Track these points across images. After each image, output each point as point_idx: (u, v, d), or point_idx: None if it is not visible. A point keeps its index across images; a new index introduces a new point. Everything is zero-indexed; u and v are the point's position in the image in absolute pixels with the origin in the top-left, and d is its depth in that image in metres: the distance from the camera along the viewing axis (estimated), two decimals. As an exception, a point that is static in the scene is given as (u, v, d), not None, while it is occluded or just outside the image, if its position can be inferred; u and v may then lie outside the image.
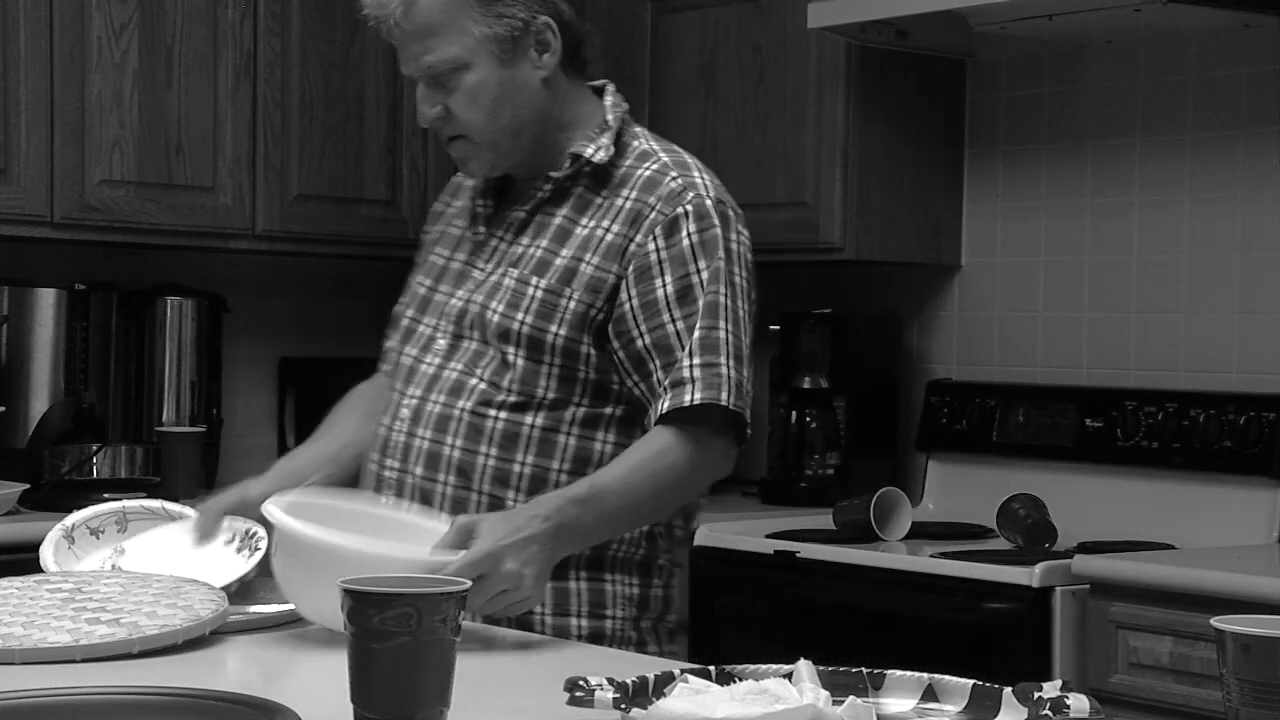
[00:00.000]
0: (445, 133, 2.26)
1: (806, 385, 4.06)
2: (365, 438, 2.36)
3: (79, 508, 2.32)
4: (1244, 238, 3.56)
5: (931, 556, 3.31)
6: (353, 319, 4.29)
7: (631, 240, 2.20)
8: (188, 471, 3.75)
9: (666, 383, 2.17)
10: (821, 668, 1.59)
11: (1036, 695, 1.49)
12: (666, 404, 2.16)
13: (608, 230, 2.21)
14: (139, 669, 1.80)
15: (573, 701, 1.48)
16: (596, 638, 2.21)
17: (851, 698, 1.51)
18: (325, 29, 3.95)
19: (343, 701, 1.46)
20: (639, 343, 2.19)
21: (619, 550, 2.24)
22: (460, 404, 2.22)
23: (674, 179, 2.23)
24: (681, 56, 4.20)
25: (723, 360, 2.18)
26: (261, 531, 2.16)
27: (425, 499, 2.22)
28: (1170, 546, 3.33)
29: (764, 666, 1.60)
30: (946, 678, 1.59)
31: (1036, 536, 3.34)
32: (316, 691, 1.72)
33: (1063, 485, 3.66)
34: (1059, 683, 1.50)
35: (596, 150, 2.25)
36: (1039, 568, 3.09)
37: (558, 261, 2.22)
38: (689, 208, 2.21)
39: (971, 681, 1.57)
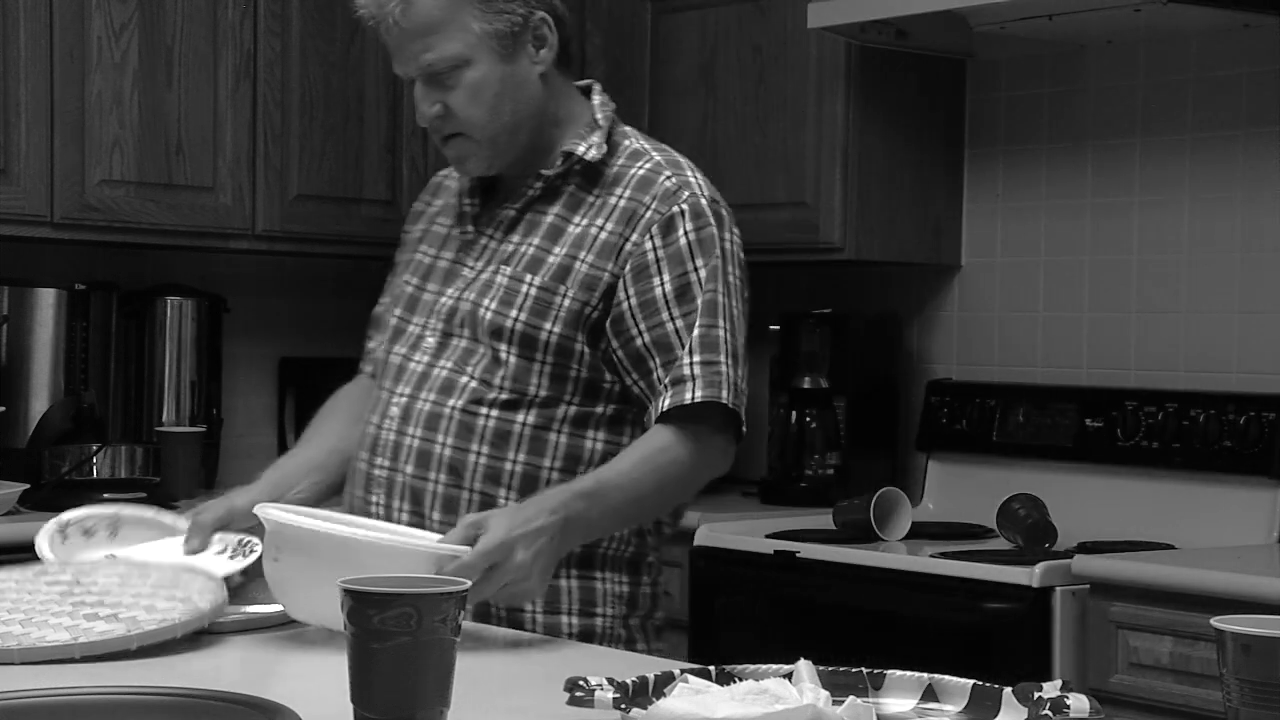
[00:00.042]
0: (444, 131, 2.25)
1: (806, 385, 4.06)
2: (351, 442, 2.36)
3: (77, 506, 2.32)
4: (1244, 238, 3.56)
5: (931, 556, 3.31)
6: (353, 319, 4.26)
7: (627, 239, 2.21)
8: (188, 471, 3.76)
9: (667, 380, 2.19)
10: (821, 668, 1.59)
11: (1036, 695, 1.49)
12: (667, 401, 2.18)
13: (602, 229, 2.22)
14: (139, 669, 1.80)
15: (573, 701, 1.48)
16: (587, 636, 2.21)
17: (851, 698, 1.51)
18: (325, 29, 3.95)
19: (343, 701, 1.46)
20: (638, 341, 2.20)
21: (609, 548, 2.25)
22: (451, 402, 2.22)
23: (668, 178, 2.24)
24: (681, 56, 4.21)
25: (722, 359, 2.20)
26: (256, 540, 2.17)
27: (416, 497, 2.22)
28: (1170, 546, 3.33)
29: (764, 666, 1.60)
30: (946, 678, 1.59)
31: (1036, 536, 3.34)
32: (316, 691, 1.72)
33: (1063, 485, 3.66)
34: (1059, 683, 1.50)
35: (588, 148, 2.26)
36: (1039, 568, 3.09)
37: (550, 259, 2.22)
38: (684, 207, 2.22)
39: (971, 681, 1.57)
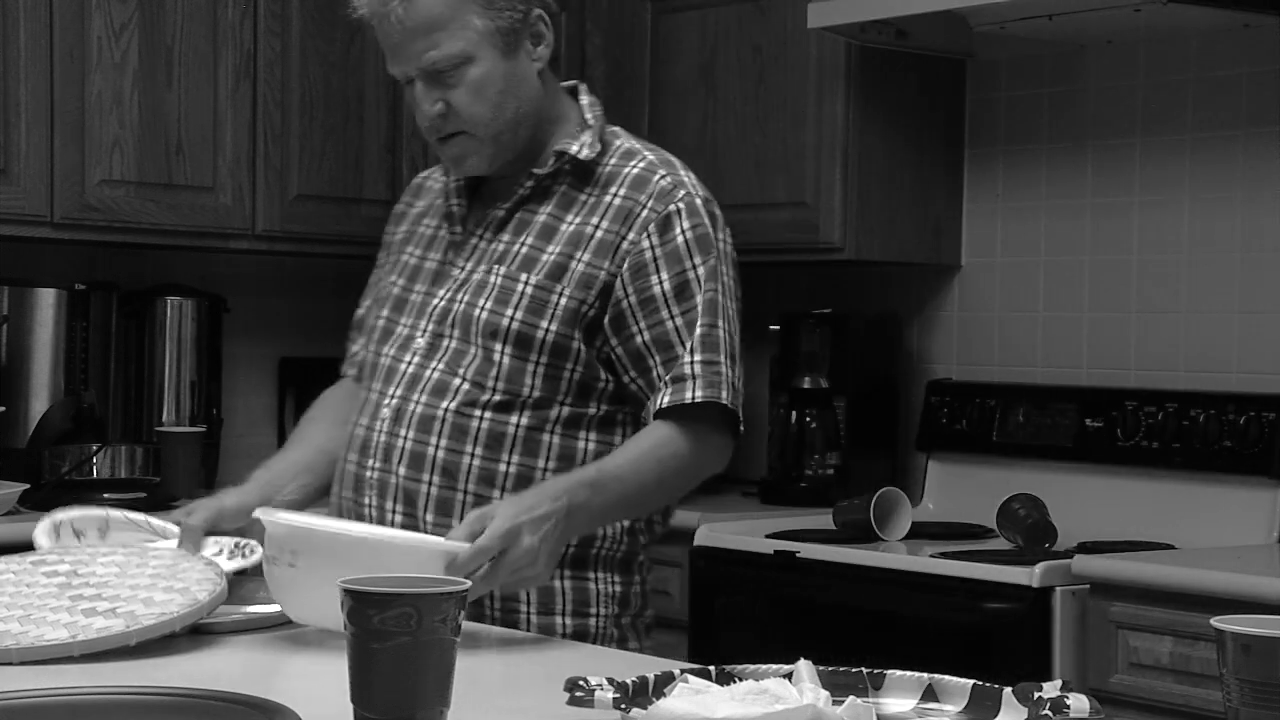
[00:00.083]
0: (445, 130, 2.25)
1: (806, 385, 4.06)
2: (338, 444, 2.37)
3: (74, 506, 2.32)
4: (1244, 238, 3.56)
5: (931, 556, 3.31)
6: (352, 319, 4.28)
7: (624, 238, 2.21)
8: (188, 471, 3.75)
9: (667, 378, 2.20)
10: (821, 668, 1.59)
11: (1036, 695, 1.49)
12: (667, 399, 2.19)
13: (597, 227, 2.22)
14: (138, 668, 1.80)
15: (573, 701, 1.48)
16: (581, 636, 2.22)
17: (851, 698, 1.51)
18: (325, 29, 3.95)
19: (343, 701, 1.46)
20: (638, 339, 2.20)
21: (602, 548, 2.26)
22: (444, 404, 2.22)
23: (663, 177, 2.25)
24: (681, 56, 4.21)
25: (722, 359, 2.22)
26: (252, 542, 2.17)
27: (409, 499, 2.22)
28: (1170, 546, 3.33)
29: (764, 666, 1.60)
30: (946, 678, 1.59)
31: (1036, 536, 3.34)
32: (316, 691, 1.72)
33: (1063, 485, 3.66)
34: (1059, 683, 1.50)
35: (581, 147, 2.26)
36: (1039, 568, 3.09)
37: (545, 258, 2.22)
38: (681, 205, 2.23)
39: (971, 681, 1.57)
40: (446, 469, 2.21)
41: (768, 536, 3.55)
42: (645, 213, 2.22)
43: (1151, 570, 2.98)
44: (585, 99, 2.34)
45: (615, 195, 2.24)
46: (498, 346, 2.21)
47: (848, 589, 3.37)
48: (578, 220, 2.24)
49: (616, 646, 2.25)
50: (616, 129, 2.34)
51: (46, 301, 3.78)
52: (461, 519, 2.04)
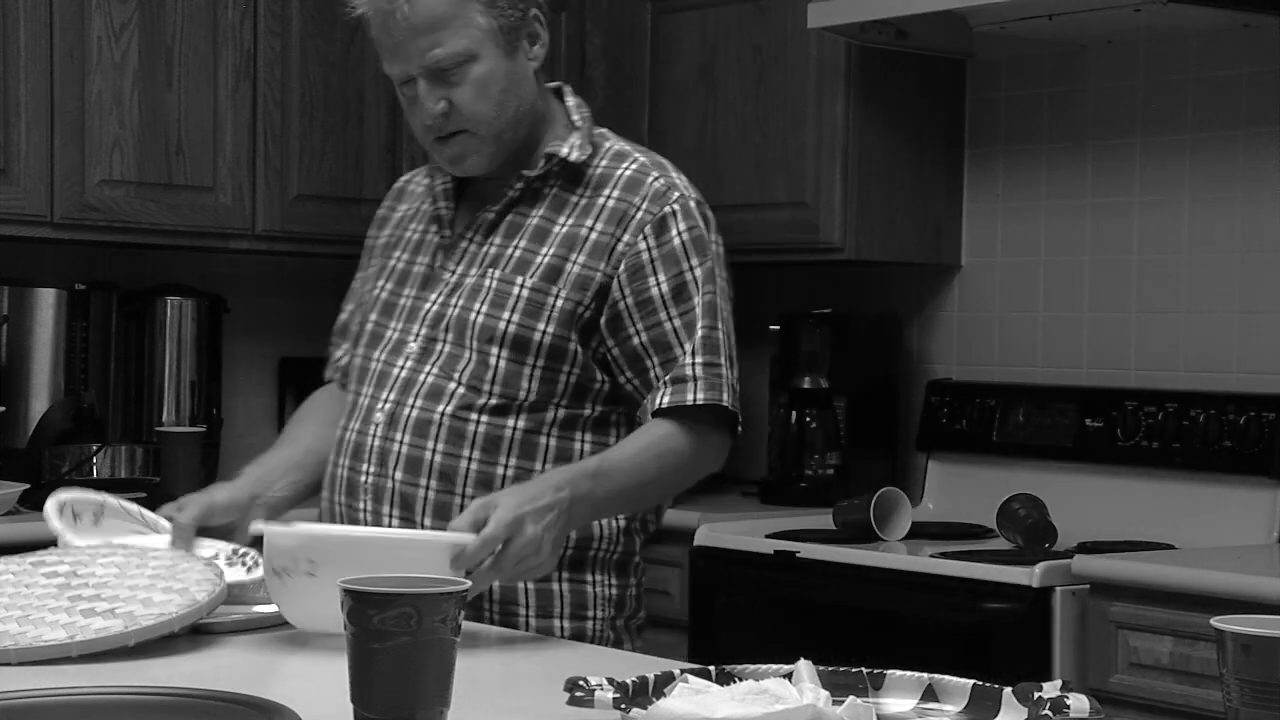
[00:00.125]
0: (447, 129, 2.24)
1: (806, 385, 4.06)
2: (326, 445, 2.37)
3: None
4: (1244, 238, 3.56)
5: (931, 556, 3.31)
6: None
7: (619, 239, 2.22)
8: (188, 471, 3.75)
9: (667, 378, 2.21)
10: (821, 668, 1.59)
11: (1036, 695, 1.49)
12: (667, 399, 2.20)
13: (592, 229, 2.22)
14: (138, 668, 1.80)
15: (573, 701, 1.48)
16: (578, 639, 2.23)
17: (851, 698, 1.51)
18: (325, 29, 3.95)
19: (343, 701, 1.46)
20: (635, 340, 2.21)
21: (600, 549, 2.26)
22: (440, 408, 2.21)
23: (657, 179, 2.25)
24: (681, 56, 4.21)
25: (722, 361, 2.23)
26: (251, 552, 2.17)
27: (406, 503, 2.22)
28: (1170, 546, 3.33)
29: (764, 666, 1.60)
30: (946, 678, 1.59)
31: (1036, 536, 3.34)
32: (316, 691, 1.72)
33: (1063, 485, 3.66)
34: (1059, 683, 1.50)
35: (571, 150, 2.26)
36: (1039, 568, 3.09)
37: (539, 260, 2.22)
38: (676, 207, 2.24)
39: (971, 681, 1.57)
40: (444, 473, 2.21)
41: (768, 536, 3.55)
42: (640, 214, 2.22)
43: (1151, 570, 2.98)
44: (571, 100, 2.34)
45: (609, 197, 2.24)
46: (494, 350, 2.21)
47: (848, 589, 3.37)
48: (571, 222, 2.24)
49: (612, 649, 2.25)
50: (604, 130, 2.35)
51: (46, 301, 3.78)
52: None
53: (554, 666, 1.84)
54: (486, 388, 2.21)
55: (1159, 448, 3.54)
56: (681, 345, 2.20)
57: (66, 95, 3.63)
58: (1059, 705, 1.45)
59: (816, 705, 1.43)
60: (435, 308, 2.27)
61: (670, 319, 2.21)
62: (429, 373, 2.24)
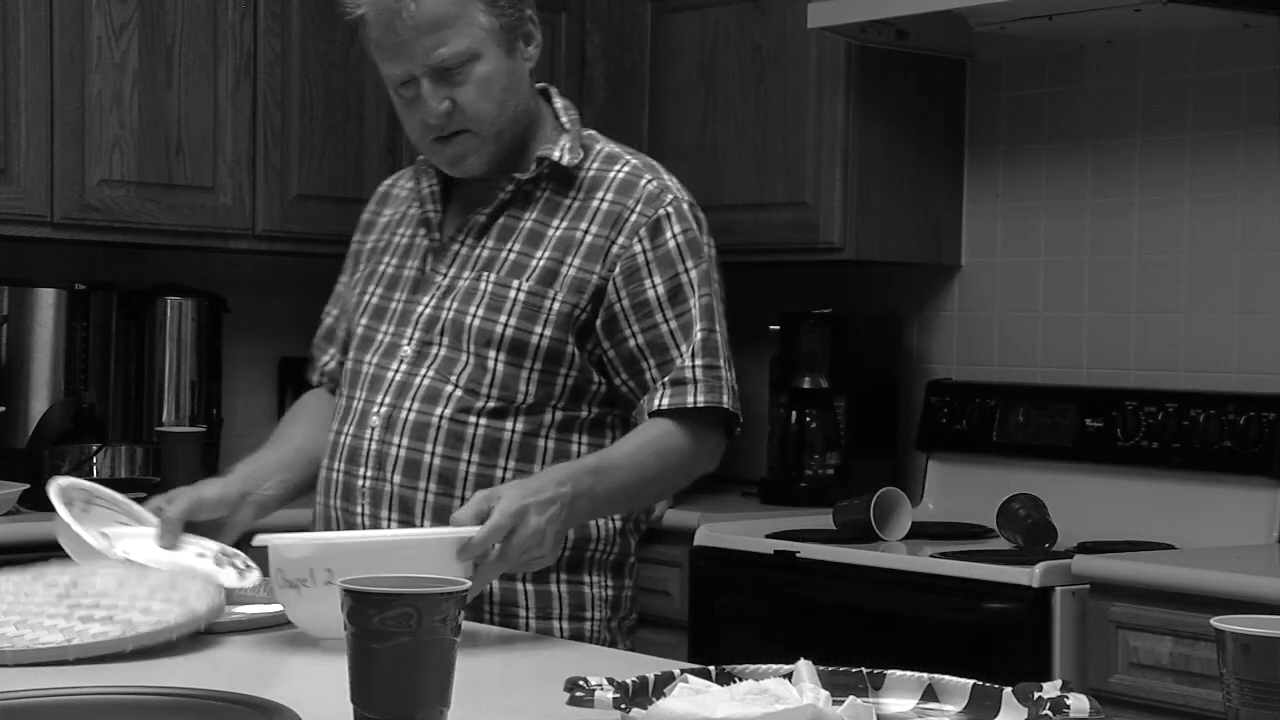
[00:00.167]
0: (449, 128, 2.23)
1: (806, 385, 4.06)
2: (317, 446, 2.38)
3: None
4: (1244, 238, 3.56)
5: (931, 556, 3.31)
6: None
7: (613, 241, 2.22)
8: (188, 471, 3.74)
9: (665, 380, 2.21)
10: (821, 668, 1.59)
11: (1036, 695, 1.49)
12: (667, 401, 2.21)
13: (586, 232, 2.23)
14: (138, 669, 1.80)
15: (573, 701, 1.48)
16: (577, 639, 2.23)
17: (851, 698, 1.51)
18: (325, 29, 3.95)
19: (343, 701, 1.46)
20: (631, 342, 2.22)
21: (596, 550, 2.27)
22: (438, 411, 2.21)
23: (649, 181, 2.26)
24: (681, 56, 4.21)
25: (721, 363, 2.25)
26: (240, 554, 2.17)
27: (405, 507, 2.22)
28: (1170, 546, 3.33)
29: (764, 666, 1.60)
30: (946, 678, 1.59)
31: (1036, 536, 3.34)
32: (316, 691, 1.72)
33: (1063, 485, 3.66)
34: (1059, 683, 1.50)
35: (563, 153, 2.26)
36: (1039, 568, 3.09)
37: (534, 263, 2.22)
38: (670, 210, 2.24)
39: (971, 681, 1.57)
40: (443, 476, 2.21)
41: (768, 536, 3.55)
42: (634, 217, 2.23)
43: (1151, 570, 2.98)
44: (559, 102, 2.34)
45: (603, 200, 2.24)
46: (491, 353, 2.21)
47: (848, 589, 3.37)
48: (564, 225, 2.24)
49: (612, 649, 2.25)
50: (592, 132, 2.35)
51: (46, 301, 3.78)
52: None
53: (553, 666, 1.84)
54: (484, 390, 2.21)
55: (1159, 448, 3.54)
56: (678, 347, 2.21)
57: (66, 95, 3.63)
58: (1059, 705, 1.45)
59: (816, 705, 1.43)
60: (428, 311, 2.26)
61: (666, 321, 2.22)
62: (425, 376, 2.24)
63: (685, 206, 2.27)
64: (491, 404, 2.21)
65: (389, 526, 2.23)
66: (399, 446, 2.22)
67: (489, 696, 1.73)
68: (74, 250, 3.91)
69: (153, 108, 3.74)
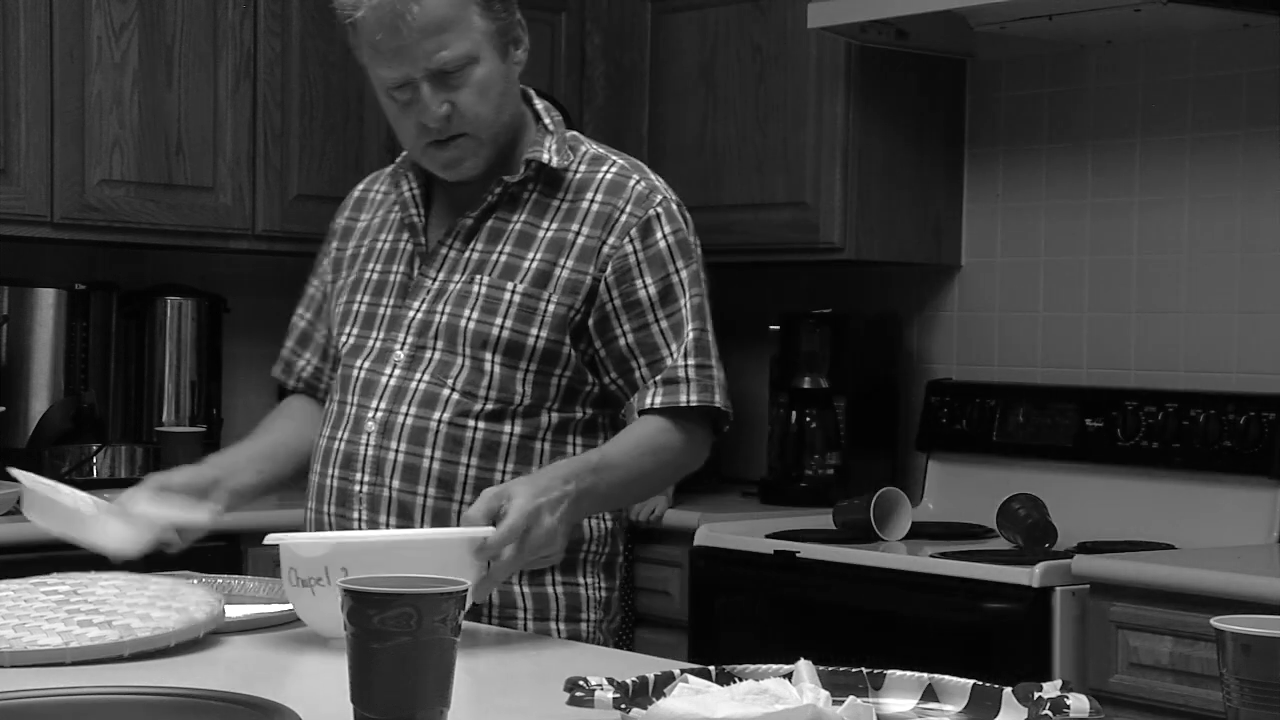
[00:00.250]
0: (449, 131, 2.23)
1: (806, 385, 4.06)
2: (300, 441, 2.38)
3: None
4: (1244, 238, 3.56)
5: (931, 556, 3.31)
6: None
7: (604, 242, 2.22)
8: (188, 471, 3.75)
9: (657, 379, 2.23)
10: (821, 668, 1.59)
11: (1036, 695, 1.49)
12: (659, 399, 2.22)
13: (578, 233, 2.23)
14: (137, 669, 1.80)
15: (573, 701, 1.48)
16: (574, 640, 2.23)
17: (851, 698, 1.51)
18: (325, 29, 3.95)
19: (343, 701, 1.46)
20: (621, 341, 2.23)
21: (589, 551, 2.28)
22: (436, 415, 2.21)
23: (638, 182, 2.27)
24: (681, 56, 4.21)
25: (713, 363, 2.26)
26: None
27: (404, 511, 2.22)
28: (1170, 546, 3.33)
29: (764, 666, 1.60)
30: (946, 678, 1.59)
31: (1036, 536, 3.34)
32: (316, 691, 1.72)
33: (1063, 485, 3.66)
34: (1059, 683, 1.50)
35: (551, 155, 2.26)
36: (1039, 568, 3.09)
37: (526, 265, 2.23)
38: (659, 210, 2.25)
39: (971, 681, 1.57)
40: (443, 480, 2.21)
41: (768, 536, 3.55)
42: (625, 218, 2.24)
43: (1151, 570, 2.98)
44: (540, 104, 2.34)
45: (592, 201, 2.25)
46: (488, 356, 2.21)
47: (848, 589, 3.37)
48: (555, 227, 2.24)
49: (612, 649, 2.26)
50: (575, 133, 2.35)
51: (46, 301, 3.78)
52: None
53: (553, 667, 1.85)
54: (482, 393, 2.21)
55: (1159, 448, 3.54)
56: (669, 346, 2.23)
57: (66, 95, 3.63)
58: (1059, 705, 1.45)
59: (816, 705, 1.43)
60: (420, 315, 2.26)
61: (657, 321, 2.23)
62: (421, 380, 2.23)
63: (674, 207, 2.28)
64: (489, 407, 2.21)
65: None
66: (397, 451, 2.22)
67: (489, 696, 1.73)
68: (74, 250, 3.91)
69: (153, 108, 3.74)
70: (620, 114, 4.31)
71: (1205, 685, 2.84)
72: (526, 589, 2.22)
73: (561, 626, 2.25)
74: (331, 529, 2.27)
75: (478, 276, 2.24)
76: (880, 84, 3.92)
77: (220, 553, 3.43)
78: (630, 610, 3.81)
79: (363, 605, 1.42)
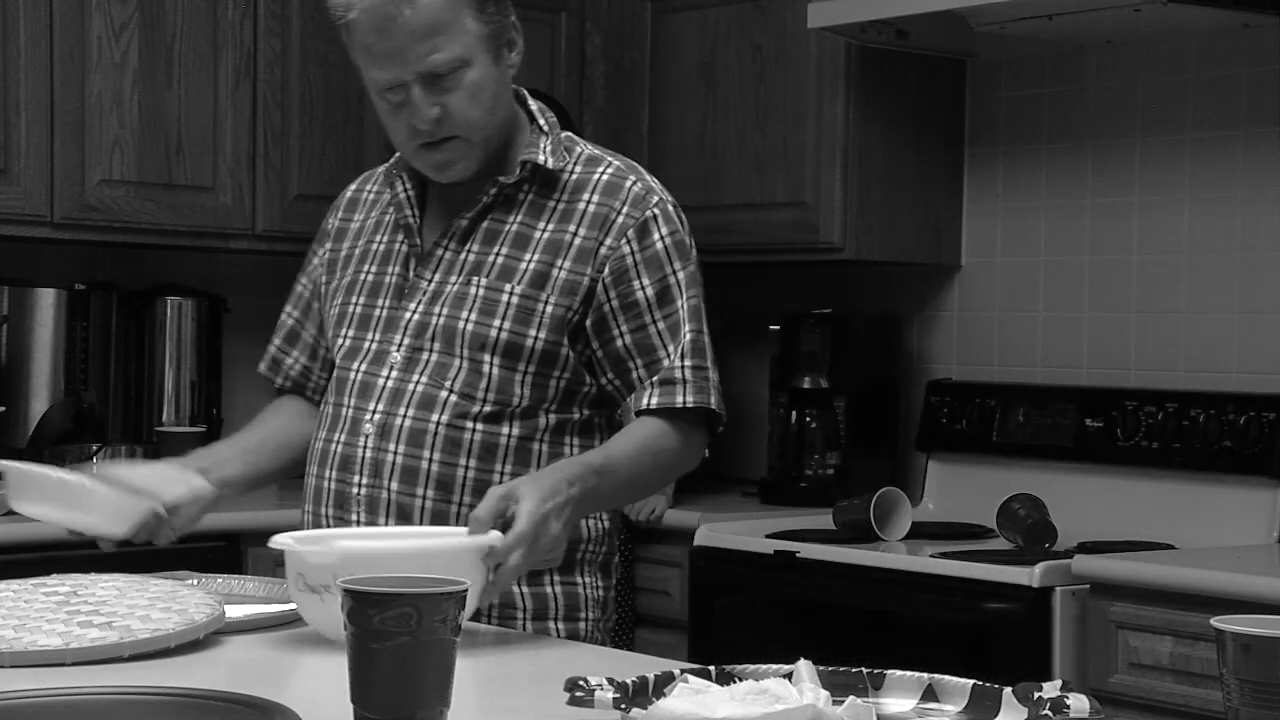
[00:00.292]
0: (439, 134, 2.23)
1: (806, 385, 4.06)
2: (291, 435, 2.40)
3: None
4: (1244, 238, 3.56)
5: (931, 556, 3.31)
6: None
7: (601, 243, 2.23)
8: (188, 471, 3.75)
9: (654, 380, 2.23)
10: (821, 668, 1.59)
11: (1036, 695, 1.49)
12: (656, 400, 2.23)
13: (575, 234, 2.23)
14: (137, 670, 1.80)
15: (573, 701, 1.48)
16: (572, 639, 2.23)
17: (851, 698, 1.51)
18: (325, 29, 3.94)
19: (343, 701, 1.46)
20: (619, 342, 2.23)
21: (587, 550, 2.28)
22: (434, 417, 2.21)
23: (635, 183, 2.27)
24: (681, 56, 4.21)
25: (709, 364, 2.27)
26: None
27: (403, 513, 2.22)
28: (1170, 546, 3.33)
29: (764, 666, 1.60)
30: (946, 678, 1.59)
31: (1036, 536, 3.35)
32: (316, 691, 1.72)
33: (1063, 485, 3.66)
34: (1059, 683, 1.50)
35: (546, 156, 2.26)
36: (1039, 568, 3.09)
37: (523, 266, 2.22)
38: (656, 211, 2.26)
39: (971, 681, 1.57)
40: (441, 482, 2.21)
41: (768, 536, 3.55)
42: (621, 219, 2.24)
43: (1151, 570, 2.98)
44: (534, 104, 2.34)
45: (589, 202, 2.25)
46: (486, 357, 2.21)
47: (848, 589, 3.37)
48: (552, 228, 2.24)
49: (612, 649, 2.26)
50: (570, 134, 2.35)
51: (46, 301, 3.78)
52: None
53: (552, 667, 1.85)
54: (480, 395, 2.21)
55: (1159, 448, 3.54)
56: (665, 348, 2.23)
57: (66, 95, 3.63)
58: (1059, 705, 1.45)
59: (816, 705, 1.43)
60: (416, 317, 2.26)
61: (654, 322, 2.23)
62: (418, 382, 2.23)
63: (670, 208, 2.28)
64: (487, 408, 2.21)
65: None
66: (395, 453, 2.22)
67: (489, 696, 1.73)
68: (74, 250, 3.91)
69: (153, 108, 3.74)
70: (620, 114, 4.31)
71: (1205, 685, 2.84)
72: (525, 589, 2.22)
73: (560, 626, 2.25)
74: None
75: (475, 278, 2.24)
76: (880, 84, 3.92)
77: (220, 553, 3.43)
78: (630, 610, 3.81)
79: (363, 605, 1.42)
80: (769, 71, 4.01)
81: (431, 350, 2.23)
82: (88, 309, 3.83)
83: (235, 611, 2.05)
